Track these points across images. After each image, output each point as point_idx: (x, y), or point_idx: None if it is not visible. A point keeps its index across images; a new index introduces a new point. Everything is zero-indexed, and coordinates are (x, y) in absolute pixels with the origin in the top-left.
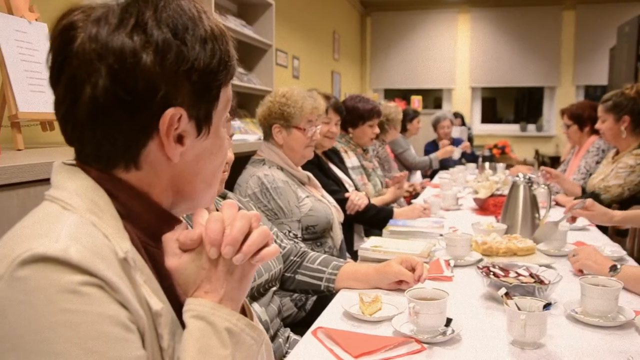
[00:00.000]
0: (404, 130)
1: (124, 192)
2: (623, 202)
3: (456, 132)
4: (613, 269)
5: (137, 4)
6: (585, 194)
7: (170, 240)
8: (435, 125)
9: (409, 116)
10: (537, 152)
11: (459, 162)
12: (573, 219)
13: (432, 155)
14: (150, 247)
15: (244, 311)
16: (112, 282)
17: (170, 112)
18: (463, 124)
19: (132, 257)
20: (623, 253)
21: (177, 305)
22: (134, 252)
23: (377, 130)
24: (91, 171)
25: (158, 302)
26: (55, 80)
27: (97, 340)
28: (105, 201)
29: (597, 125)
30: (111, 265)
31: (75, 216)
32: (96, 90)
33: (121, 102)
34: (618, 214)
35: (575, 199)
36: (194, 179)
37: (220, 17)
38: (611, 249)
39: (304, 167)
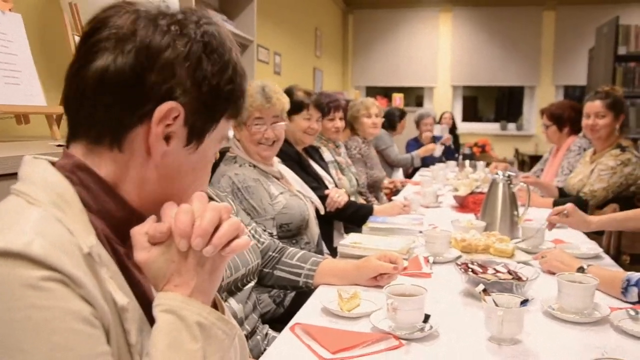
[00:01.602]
0: (393, 128)
1: (98, 185)
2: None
3: (437, 130)
4: (580, 270)
5: (185, 14)
6: (565, 195)
7: (139, 233)
8: (418, 122)
9: (397, 116)
10: (517, 151)
11: (439, 160)
12: (551, 226)
13: (414, 153)
14: (116, 245)
15: (215, 305)
16: (75, 277)
17: (170, 104)
18: (453, 123)
19: (97, 252)
20: (599, 250)
21: (145, 301)
22: (100, 247)
23: (338, 124)
24: (71, 157)
25: (124, 297)
26: (83, 42)
27: (61, 336)
28: (71, 195)
29: (590, 122)
30: (75, 261)
31: (39, 210)
32: (116, 61)
33: (134, 78)
34: (594, 221)
35: (555, 202)
36: (167, 186)
37: None
38: (588, 246)
39: (285, 164)
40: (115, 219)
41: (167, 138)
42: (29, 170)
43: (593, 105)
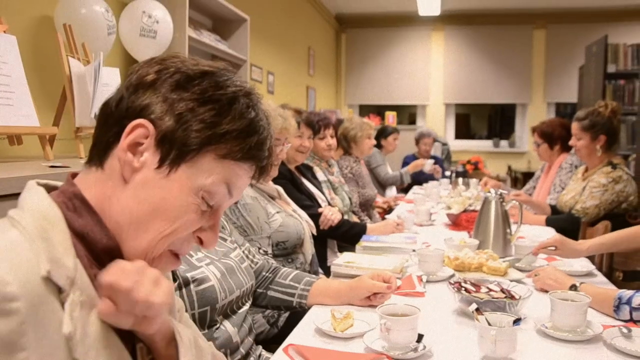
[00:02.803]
0: (379, 146)
1: (89, 215)
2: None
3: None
4: (572, 288)
5: (207, 68)
6: (557, 212)
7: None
8: (418, 140)
9: (384, 133)
10: (509, 168)
11: (431, 177)
12: (536, 253)
13: (403, 170)
14: (97, 271)
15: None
16: (14, 298)
17: (140, 120)
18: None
19: (69, 275)
20: (592, 267)
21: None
22: (81, 270)
23: (330, 141)
24: (72, 185)
25: (69, 325)
26: None
27: None
28: (57, 218)
29: (572, 142)
30: (27, 283)
31: (15, 232)
32: (116, 92)
33: (119, 99)
34: (584, 249)
35: (547, 219)
36: (140, 212)
37: (194, 33)
38: (581, 263)
39: (277, 182)
40: (97, 248)
41: (140, 155)
42: (25, 195)
43: (572, 126)
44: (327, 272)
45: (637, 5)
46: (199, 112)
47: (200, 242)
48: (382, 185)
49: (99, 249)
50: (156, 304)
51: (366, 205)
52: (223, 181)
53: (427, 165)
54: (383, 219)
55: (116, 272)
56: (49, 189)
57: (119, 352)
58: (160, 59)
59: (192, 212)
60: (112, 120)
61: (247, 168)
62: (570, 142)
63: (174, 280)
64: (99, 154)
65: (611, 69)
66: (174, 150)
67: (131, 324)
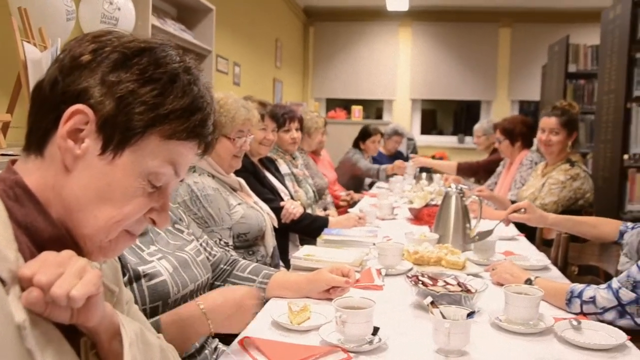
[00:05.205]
0: (357, 147)
1: (31, 203)
2: None
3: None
4: (528, 282)
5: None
6: None
7: None
8: (391, 136)
9: (362, 135)
10: None
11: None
12: (508, 222)
13: (382, 167)
14: None
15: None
16: None
17: (78, 105)
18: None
19: (12, 269)
20: (547, 262)
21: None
22: (22, 265)
23: (294, 134)
24: (13, 173)
25: (21, 314)
26: None
27: None
28: None
29: (544, 137)
30: None
31: None
32: (47, 72)
33: (53, 82)
34: (552, 216)
35: None
36: (86, 199)
37: (158, 21)
38: (537, 257)
39: (240, 175)
40: (42, 238)
41: (81, 142)
42: None
43: (549, 121)
44: (289, 265)
45: (597, 7)
46: (140, 94)
47: (153, 222)
48: (361, 181)
49: (44, 239)
50: (77, 298)
51: (320, 195)
52: (169, 162)
53: (409, 170)
54: (346, 212)
55: (36, 265)
56: None
57: (60, 346)
58: (93, 36)
59: (140, 196)
60: (48, 106)
61: (192, 146)
62: (542, 137)
63: (124, 274)
64: (37, 142)
65: (572, 68)
66: (116, 135)
67: (67, 317)
